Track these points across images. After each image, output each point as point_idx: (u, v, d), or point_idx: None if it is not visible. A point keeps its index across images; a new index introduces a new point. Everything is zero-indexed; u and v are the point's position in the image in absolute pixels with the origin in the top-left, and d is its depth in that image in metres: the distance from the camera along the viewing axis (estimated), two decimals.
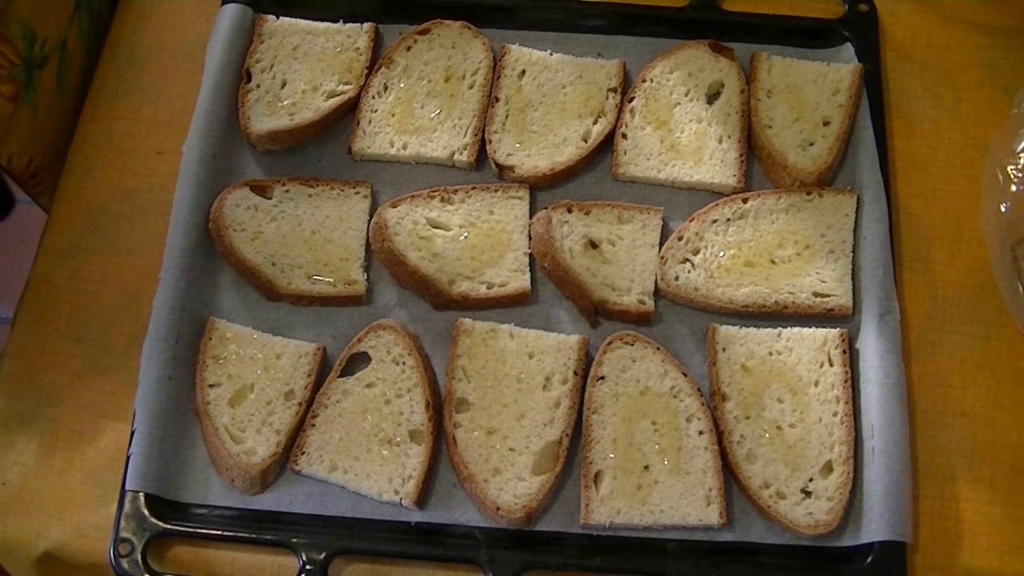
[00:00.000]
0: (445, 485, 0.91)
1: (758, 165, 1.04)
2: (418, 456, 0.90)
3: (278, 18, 1.08)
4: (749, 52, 1.07)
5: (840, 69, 1.06)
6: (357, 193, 1.01)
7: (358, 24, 1.08)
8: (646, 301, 0.96)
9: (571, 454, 0.91)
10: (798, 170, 1.01)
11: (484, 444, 0.91)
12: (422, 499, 0.89)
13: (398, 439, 0.91)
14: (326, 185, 1.01)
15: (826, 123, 1.03)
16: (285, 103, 1.04)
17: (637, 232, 0.99)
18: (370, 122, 1.04)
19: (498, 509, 0.88)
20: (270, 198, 1.00)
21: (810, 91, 1.05)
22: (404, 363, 0.93)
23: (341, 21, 1.08)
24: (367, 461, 0.90)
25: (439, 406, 0.93)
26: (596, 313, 0.96)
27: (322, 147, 1.04)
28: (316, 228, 0.99)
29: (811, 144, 1.02)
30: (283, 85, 1.05)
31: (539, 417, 0.92)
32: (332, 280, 0.97)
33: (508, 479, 0.89)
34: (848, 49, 1.08)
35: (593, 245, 0.98)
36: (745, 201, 1.00)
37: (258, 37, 1.07)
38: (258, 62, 1.05)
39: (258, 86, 1.04)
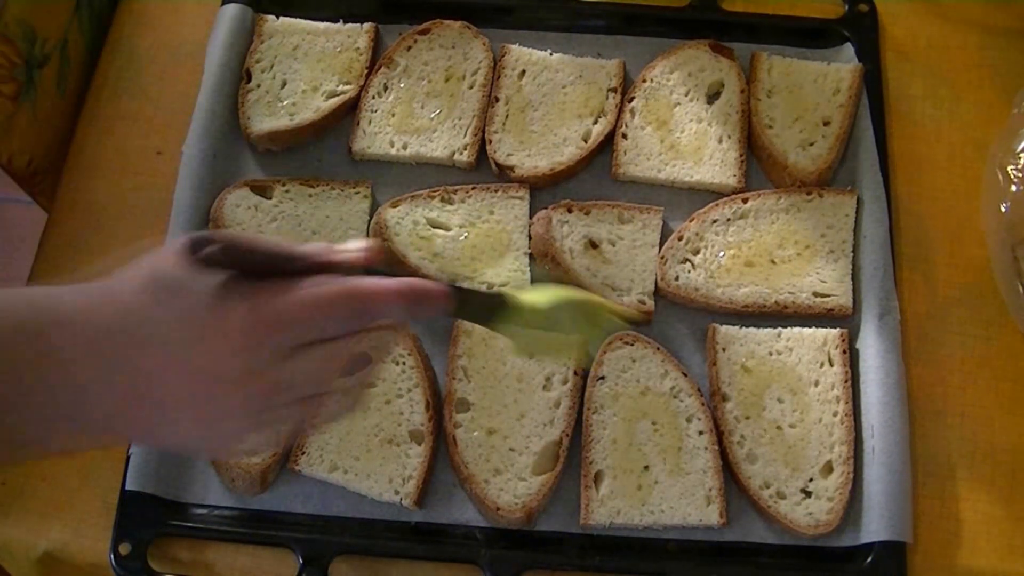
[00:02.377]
0: (445, 485, 0.91)
1: (758, 165, 1.04)
2: (418, 456, 0.90)
3: (278, 18, 1.08)
4: (749, 52, 1.07)
5: (840, 69, 1.06)
6: (357, 193, 1.01)
7: (358, 24, 1.08)
8: (646, 301, 0.96)
9: (571, 454, 0.91)
10: (798, 170, 1.01)
11: (484, 444, 0.90)
12: (422, 499, 0.89)
13: (398, 439, 0.91)
14: (326, 185, 1.01)
15: (826, 123, 1.03)
16: (285, 103, 1.04)
17: (637, 232, 0.99)
18: (370, 122, 1.04)
19: (498, 509, 0.88)
20: (270, 198, 1.00)
21: (810, 91, 1.05)
22: (404, 363, 0.93)
23: (341, 21, 1.08)
24: (367, 461, 0.90)
25: (439, 406, 0.93)
26: None
27: (322, 147, 1.04)
28: (316, 228, 0.99)
29: (811, 144, 1.02)
30: (283, 85, 1.05)
31: (539, 417, 0.92)
32: None
33: (508, 479, 0.89)
34: (848, 49, 1.08)
35: (593, 245, 0.98)
36: (745, 201, 1.00)
37: (258, 37, 1.07)
38: (258, 62, 1.05)
39: (258, 86, 1.04)
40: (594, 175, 1.03)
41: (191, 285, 0.63)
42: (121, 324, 0.62)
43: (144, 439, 0.69)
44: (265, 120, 1.03)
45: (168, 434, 0.66)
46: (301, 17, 1.08)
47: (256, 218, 0.99)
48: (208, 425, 0.65)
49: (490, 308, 0.72)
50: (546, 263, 0.97)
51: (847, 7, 1.10)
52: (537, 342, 0.76)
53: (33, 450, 0.70)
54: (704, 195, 1.02)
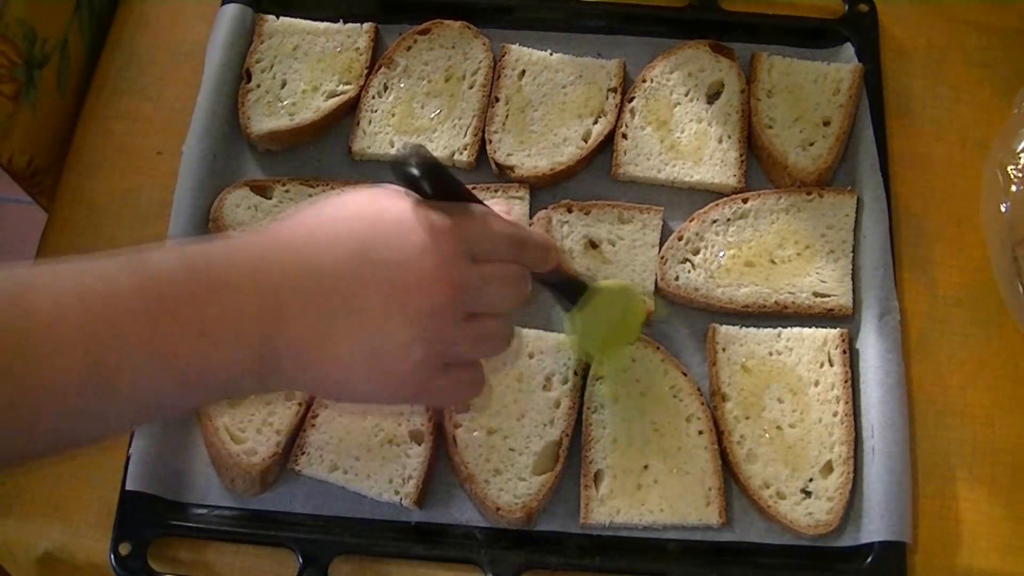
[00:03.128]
0: (445, 485, 0.91)
1: (758, 165, 1.04)
2: (418, 456, 0.90)
3: (278, 18, 1.08)
4: (749, 52, 1.07)
5: (840, 69, 1.06)
6: None
7: (358, 24, 1.08)
8: (647, 301, 0.96)
9: (571, 454, 0.91)
10: (798, 170, 1.01)
11: (485, 444, 0.90)
12: (422, 499, 0.89)
13: (398, 439, 0.91)
14: (326, 185, 1.01)
15: (826, 123, 1.03)
16: (285, 103, 1.04)
17: (637, 232, 0.99)
18: (370, 122, 1.04)
19: (498, 509, 0.88)
20: (270, 198, 1.00)
21: (810, 91, 1.05)
22: None
23: (341, 21, 1.08)
24: (367, 461, 0.90)
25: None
26: None
27: (322, 147, 1.04)
28: None
29: (811, 144, 1.02)
30: (283, 85, 1.05)
31: (539, 417, 0.92)
32: None
33: (509, 479, 0.89)
34: (848, 49, 1.08)
35: (593, 245, 0.98)
36: (745, 201, 1.00)
37: (258, 37, 1.07)
38: (258, 62, 1.05)
39: (258, 86, 1.04)
40: (594, 175, 1.03)
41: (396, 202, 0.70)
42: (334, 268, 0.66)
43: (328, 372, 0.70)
44: (265, 120, 1.03)
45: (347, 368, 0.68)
46: (301, 17, 1.08)
47: (256, 218, 0.99)
48: (389, 338, 0.67)
49: (575, 290, 0.83)
50: None
51: (847, 7, 1.10)
52: (597, 333, 0.87)
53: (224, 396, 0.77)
54: (704, 195, 1.02)
